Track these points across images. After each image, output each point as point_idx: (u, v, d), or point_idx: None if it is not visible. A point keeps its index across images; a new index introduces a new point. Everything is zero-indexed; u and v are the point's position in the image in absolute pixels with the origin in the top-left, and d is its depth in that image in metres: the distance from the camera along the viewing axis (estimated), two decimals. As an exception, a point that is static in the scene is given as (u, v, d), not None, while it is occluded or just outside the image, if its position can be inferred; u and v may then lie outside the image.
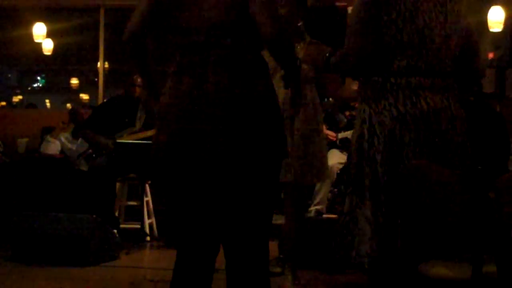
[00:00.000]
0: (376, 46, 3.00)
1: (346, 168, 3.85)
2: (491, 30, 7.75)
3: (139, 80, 6.65)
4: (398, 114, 2.95)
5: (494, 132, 3.86)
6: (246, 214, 2.63)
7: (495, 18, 7.78)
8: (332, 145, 7.03)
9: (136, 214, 6.81)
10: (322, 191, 6.71)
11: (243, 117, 2.56)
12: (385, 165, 2.94)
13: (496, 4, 7.78)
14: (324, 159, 4.75)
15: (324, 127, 7.28)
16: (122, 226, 6.56)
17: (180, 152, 2.61)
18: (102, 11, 10.19)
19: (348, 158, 3.32)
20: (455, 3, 3.09)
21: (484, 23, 7.63)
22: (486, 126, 3.87)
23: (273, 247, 5.31)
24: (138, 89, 6.86)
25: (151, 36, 2.79)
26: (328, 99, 7.21)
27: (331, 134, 7.19)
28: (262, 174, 2.61)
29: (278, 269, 4.92)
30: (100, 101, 10.01)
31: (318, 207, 6.70)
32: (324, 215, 6.43)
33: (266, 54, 2.68)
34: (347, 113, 7.23)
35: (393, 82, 2.99)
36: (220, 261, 2.74)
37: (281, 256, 4.94)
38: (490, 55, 7.59)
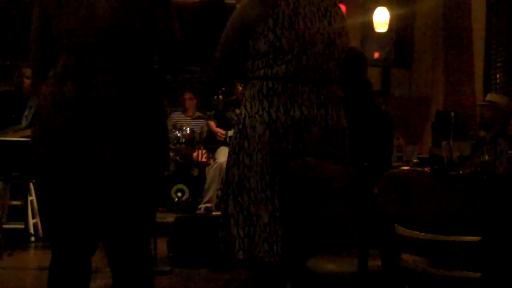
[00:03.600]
0: (241, 54, 2.98)
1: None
2: (377, 30, 7.93)
3: (28, 72, 6.49)
4: (270, 120, 2.91)
5: (379, 129, 3.95)
6: (127, 218, 2.59)
7: (380, 19, 7.97)
8: (222, 143, 7.05)
9: (19, 214, 6.62)
10: (212, 189, 6.73)
11: (129, 127, 2.51)
12: (255, 168, 2.92)
13: (381, 5, 7.98)
14: None
15: (213, 124, 7.34)
16: (5, 226, 6.40)
17: (64, 160, 2.51)
18: (-12, 4, 9.85)
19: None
20: (339, 8, 3.06)
21: (370, 24, 7.81)
22: (372, 124, 3.95)
23: (163, 245, 5.29)
24: (27, 81, 6.70)
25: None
26: (218, 97, 7.23)
27: (220, 131, 7.21)
28: (144, 183, 2.59)
29: (167, 268, 4.90)
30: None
31: (207, 204, 6.71)
32: (214, 213, 6.45)
33: None
34: (238, 111, 7.26)
35: (270, 86, 2.94)
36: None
37: (170, 254, 4.93)
38: (376, 55, 7.76)
